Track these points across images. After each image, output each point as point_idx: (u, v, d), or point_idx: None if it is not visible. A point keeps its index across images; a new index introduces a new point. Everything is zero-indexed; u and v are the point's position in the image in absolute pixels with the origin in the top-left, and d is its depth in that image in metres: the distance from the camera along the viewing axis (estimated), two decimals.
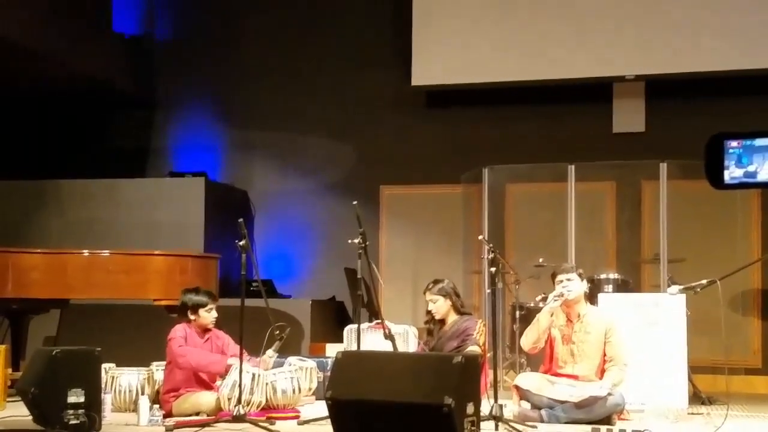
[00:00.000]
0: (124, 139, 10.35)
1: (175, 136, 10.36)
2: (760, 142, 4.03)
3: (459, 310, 6.64)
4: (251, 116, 10.15)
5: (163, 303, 7.37)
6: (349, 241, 6.10)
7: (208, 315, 6.24)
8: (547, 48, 9.07)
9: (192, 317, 6.23)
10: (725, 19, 8.74)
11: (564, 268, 6.11)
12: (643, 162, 8.37)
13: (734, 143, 4.06)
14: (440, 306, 6.59)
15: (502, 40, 9.22)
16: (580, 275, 6.04)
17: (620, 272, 7.89)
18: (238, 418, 5.59)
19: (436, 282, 6.65)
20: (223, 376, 6.04)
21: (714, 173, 4.12)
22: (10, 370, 6.73)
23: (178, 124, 10.35)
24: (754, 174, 4.08)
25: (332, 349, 7.56)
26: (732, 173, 4.09)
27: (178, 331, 6.15)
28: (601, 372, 5.95)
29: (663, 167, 8.00)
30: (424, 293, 6.67)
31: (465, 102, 9.58)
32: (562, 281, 6.00)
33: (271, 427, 5.48)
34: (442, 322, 6.64)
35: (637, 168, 8.55)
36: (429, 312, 6.66)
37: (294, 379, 6.32)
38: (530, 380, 5.96)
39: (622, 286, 7.67)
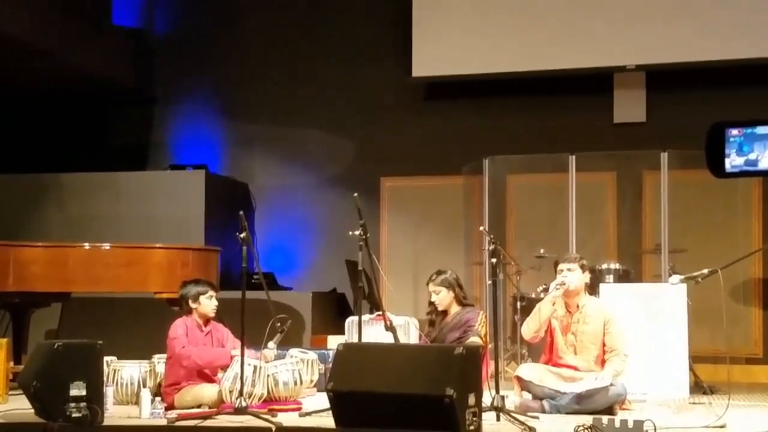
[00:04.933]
0: (125, 133, 10.34)
1: (176, 130, 10.35)
2: (761, 130, 4.02)
3: (462, 302, 6.63)
4: (252, 109, 10.14)
5: (164, 296, 7.37)
6: (350, 233, 6.09)
7: (210, 303, 6.25)
8: (547, 38, 9.06)
9: (193, 306, 6.23)
10: (725, 9, 8.73)
11: (566, 257, 6.13)
12: (643, 152, 8.38)
13: (735, 131, 4.05)
14: (443, 297, 6.59)
15: (503, 30, 9.21)
16: (582, 266, 6.04)
17: (621, 262, 7.89)
18: (239, 411, 5.60)
19: (439, 273, 6.64)
20: (227, 367, 6.05)
21: (715, 162, 4.11)
22: (11, 364, 6.73)
23: (178, 117, 10.35)
24: (755, 162, 4.08)
25: (333, 341, 7.55)
26: (733, 162, 4.09)
27: (179, 327, 6.14)
28: (602, 362, 5.95)
29: (664, 157, 8.00)
30: (427, 284, 6.67)
31: (465, 93, 9.57)
32: (562, 270, 6.01)
33: (273, 419, 5.48)
34: (445, 313, 6.64)
35: (638, 158, 8.56)
36: (431, 303, 6.66)
37: (295, 372, 6.32)
38: (531, 371, 5.96)
39: (623, 277, 7.68)
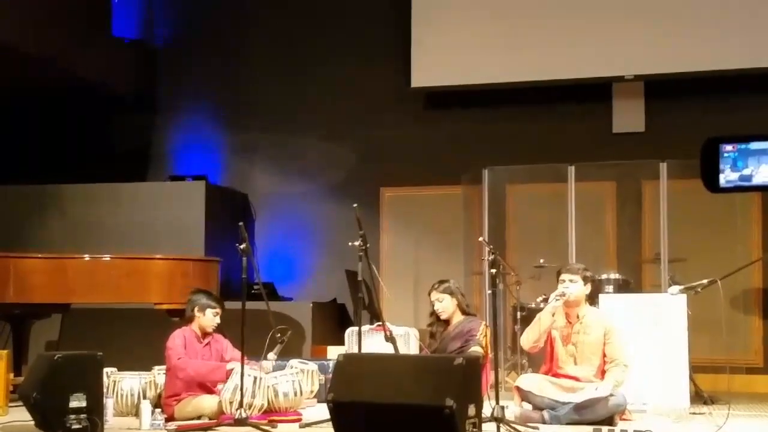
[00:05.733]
0: (125, 143, 10.35)
1: (176, 140, 10.37)
2: (755, 145, 4.04)
3: (464, 311, 6.62)
4: (251, 119, 10.16)
5: (165, 307, 7.37)
6: (350, 243, 6.10)
7: (213, 318, 6.25)
8: (546, 49, 9.08)
9: (197, 314, 6.23)
10: (724, 19, 8.74)
11: (569, 268, 6.10)
12: (643, 162, 8.39)
13: (729, 147, 4.07)
14: (446, 305, 6.56)
15: (501, 41, 9.23)
16: (585, 278, 6.02)
17: (621, 272, 7.90)
18: (239, 422, 5.60)
19: (441, 282, 6.64)
20: (224, 382, 6.05)
21: (709, 177, 4.14)
22: (12, 375, 6.73)
23: (178, 127, 10.36)
24: (749, 177, 4.10)
25: (333, 352, 7.56)
26: (727, 177, 4.11)
27: (177, 338, 6.14)
28: (602, 373, 5.95)
29: (663, 167, 8.02)
30: (429, 293, 6.66)
31: (464, 103, 9.59)
32: (564, 281, 6.00)
33: (273, 430, 5.49)
34: (447, 322, 6.61)
35: (637, 168, 8.57)
36: (433, 313, 6.64)
37: (295, 382, 6.33)
38: (531, 381, 5.96)
39: (623, 287, 7.68)
